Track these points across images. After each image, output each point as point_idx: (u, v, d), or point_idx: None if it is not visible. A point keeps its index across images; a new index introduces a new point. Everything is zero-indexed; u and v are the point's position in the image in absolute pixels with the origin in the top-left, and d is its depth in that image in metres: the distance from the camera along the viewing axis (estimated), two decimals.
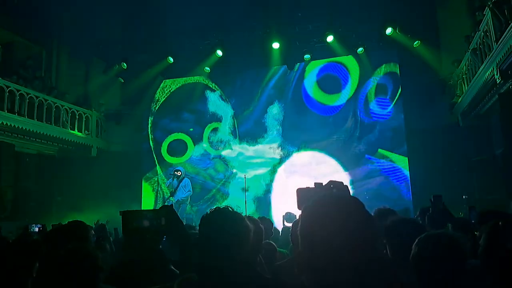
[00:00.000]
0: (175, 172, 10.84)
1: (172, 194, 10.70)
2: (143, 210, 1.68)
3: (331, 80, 12.40)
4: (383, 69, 11.95)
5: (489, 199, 7.69)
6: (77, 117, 12.76)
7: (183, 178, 10.93)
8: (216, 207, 1.71)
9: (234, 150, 12.75)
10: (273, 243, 3.55)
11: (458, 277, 1.78)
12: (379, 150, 11.57)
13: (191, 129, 13.21)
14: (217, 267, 1.53)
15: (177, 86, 13.83)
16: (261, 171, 12.32)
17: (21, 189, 11.30)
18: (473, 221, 3.74)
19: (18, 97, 10.68)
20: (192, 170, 12.75)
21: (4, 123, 10.15)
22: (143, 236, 1.71)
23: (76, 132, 12.61)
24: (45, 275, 1.72)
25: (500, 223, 2.24)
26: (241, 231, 1.63)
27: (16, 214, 10.30)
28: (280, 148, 12.35)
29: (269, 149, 12.45)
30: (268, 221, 4.22)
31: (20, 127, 10.65)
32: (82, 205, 10.60)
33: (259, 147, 12.58)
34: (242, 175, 11.53)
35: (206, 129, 13.18)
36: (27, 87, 11.23)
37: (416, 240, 1.92)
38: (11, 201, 10.94)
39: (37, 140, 11.67)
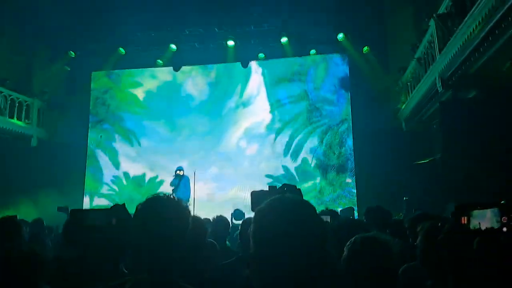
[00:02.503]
0: (177, 172, 10.53)
1: (174, 192, 10.27)
2: (94, 209, 1.61)
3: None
4: (334, 72, 12.31)
5: (428, 201, 8.10)
6: (17, 104, 12.02)
7: (183, 176, 10.58)
8: (154, 194, 1.58)
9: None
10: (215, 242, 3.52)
11: (389, 281, 1.81)
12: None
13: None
14: (156, 264, 1.46)
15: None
16: None
17: None
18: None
19: None
20: None
21: None
22: (91, 235, 1.64)
23: (15, 120, 11.88)
24: None
25: (438, 224, 2.37)
26: (180, 217, 1.53)
27: None
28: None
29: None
30: (225, 221, 4.15)
31: None
32: (19, 199, 9.99)
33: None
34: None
35: None
36: None
37: (348, 243, 1.92)
38: None
39: None
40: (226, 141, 12.57)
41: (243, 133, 12.57)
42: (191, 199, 10.18)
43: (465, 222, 1.53)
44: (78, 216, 1.57)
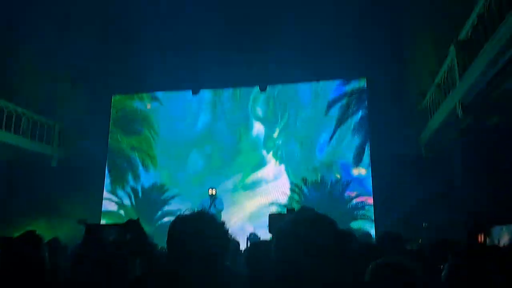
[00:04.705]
0: (209, 192, 10.23)
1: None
2: (108, 225, 1.59)
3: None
4: (352, 98, 12.28)
5: (449, 229, 7.88)
6: (39, 126, 12.31)
7: (215, 197, 10.17)
8: (190, 211, 1.52)
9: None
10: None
11: None
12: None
13: None
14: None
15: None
16: None
17: None
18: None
19: None
20: None
21: None
22: (105, 251, 1.61)
23: (36, 141, 12.13)
24: None
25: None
26: (223, 237, 1.47)
27: None
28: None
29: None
30: (235, 242, 4.12)
31: None
32: (39, 218, 10.13)
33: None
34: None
35: None
36: None
37: (369, 268, 1.90)
38: None
39: None
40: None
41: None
42: None
43: (482, 240, 1.45)
44: (93, 231, 1.55)
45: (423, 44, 11.11)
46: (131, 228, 1.49)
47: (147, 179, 13.02)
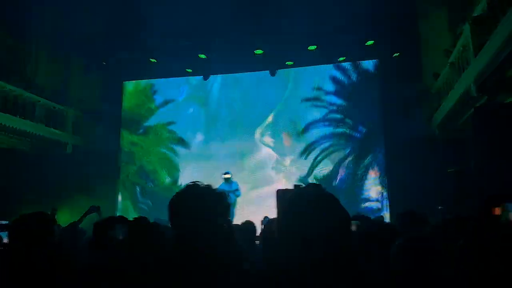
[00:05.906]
0: (224, 176, 10.39)
1: None
2: (117, 221, 1.60)
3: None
4: (363, 79, 12.13)
5: (464, 210, 7.81)
6: (54, 113, 12.45)
7: (232, 182, 10.39)
8: (187, 184, 1.46)
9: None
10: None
11: (436, 281, 1.79)
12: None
13: None
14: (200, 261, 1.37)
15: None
16: None
17: None
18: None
19: None
20: None
21: None
22: (115, 248, 1.64)
23: (51, 128, 12.30)
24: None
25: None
26: (224, 206, 1.43)
27: None
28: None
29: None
30: (252, 225, 4.18)
31: None
32: (57, 203, 10.32)
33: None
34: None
35: None
36: (1, 80, 10.89)
37: (396, 243, 1.92)
38: None
39: (9, 134, 11.31)
40: None
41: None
42: None
43: (499, 213, 1.45)
44: (102, 229, 1.57)
45: (438, 24, 10.87)
46: (140, 227, 1.50)
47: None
